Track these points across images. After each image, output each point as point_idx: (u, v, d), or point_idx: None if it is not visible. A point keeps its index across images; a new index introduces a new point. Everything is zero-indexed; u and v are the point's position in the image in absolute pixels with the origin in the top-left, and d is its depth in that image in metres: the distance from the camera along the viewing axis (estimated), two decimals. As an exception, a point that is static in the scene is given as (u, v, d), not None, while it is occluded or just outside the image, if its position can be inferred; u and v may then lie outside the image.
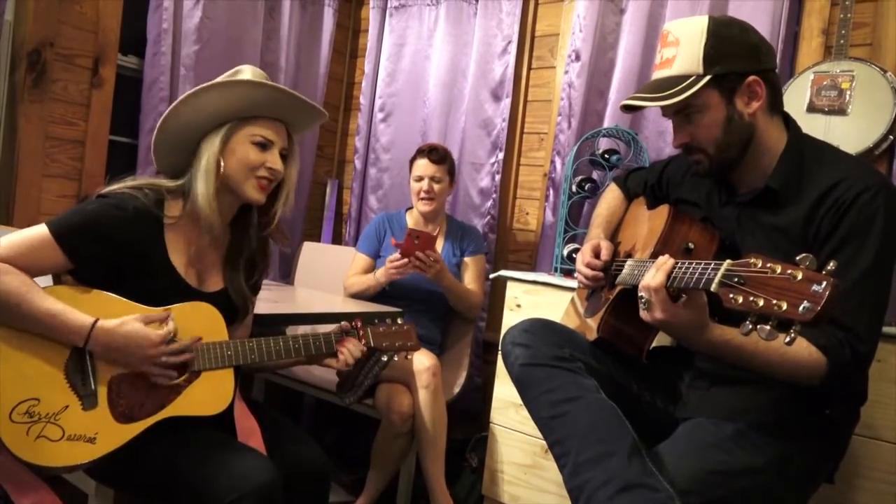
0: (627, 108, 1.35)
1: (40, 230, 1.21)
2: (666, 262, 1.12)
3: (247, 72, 1.36)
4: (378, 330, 1.50)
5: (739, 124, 1.27)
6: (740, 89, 1.26)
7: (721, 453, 1.21)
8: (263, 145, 1.34)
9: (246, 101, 1.32)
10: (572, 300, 1.69)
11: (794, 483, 1.25)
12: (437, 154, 2.42)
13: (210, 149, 1.32)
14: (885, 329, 1.54)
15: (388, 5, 3.09)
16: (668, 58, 1.29)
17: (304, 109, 1.39)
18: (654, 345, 1.38)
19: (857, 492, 1.58)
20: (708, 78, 1.23)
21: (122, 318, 1.22)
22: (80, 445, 1.17)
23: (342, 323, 1.48)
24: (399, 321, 1.55)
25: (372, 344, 1.49)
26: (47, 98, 2.20)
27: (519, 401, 1.39)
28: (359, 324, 1.49)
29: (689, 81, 1.24)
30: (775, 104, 1.30)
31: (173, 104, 1.32)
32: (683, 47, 1.26)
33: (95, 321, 1.19)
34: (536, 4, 2.73)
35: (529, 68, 2.75)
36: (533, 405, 1.34)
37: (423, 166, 2.40)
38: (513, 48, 2.70)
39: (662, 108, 1.30)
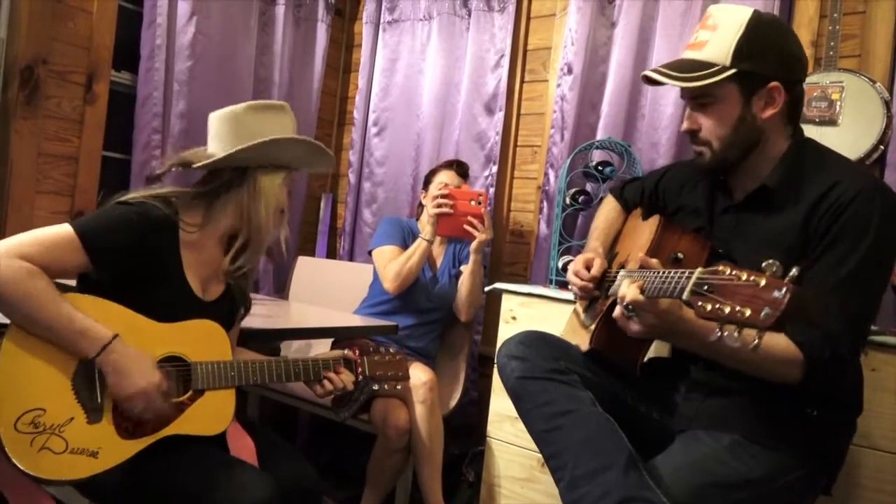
0: (647, 80, 1.33)
1: (64, 230, 1.21)
2: (630, 275, 1.17)
3: (288, 113, 1.43)
4: (374, 359, 1.53)
5: (750, 127, 1.27)
6: (760, 92, 1.25)
7: (718, 465, 1.20)
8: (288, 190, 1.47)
9: (308, 161, 1.45)
10: (574, 311, 1.68)
11: (791, 495, 1.24)
12: (462, 168, 2.49)
13: (271, 186, 1.39)
14: (882, 339, 1.54)
15: (381, 20, 3.10)
16: (701, 40, 1.27)
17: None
18: (649, 356, 1.38)
19: (855, 502, 1.57)
20: (732, 72, 1.22)
21: (141, 350, 1.23)
22: (82, 459, 1.16)
23: (346, 352, 1.50)
24: (392, 350, 1.57)
25: (367, 373, 1.52)
26: (40, 114, 2.20)
27: (515, 414, 1.38)
28: (357, 352, 1.52)
29: (713, 70, 1.23)
30: (793, 116, 1.30)
31: (259, 141, 1.33)
32: (718, 34, 1.25)
33: (115, 336, 1.19)
34: (528, 18, 2.75)
35: (522, 82, 2.76)
36: (529, 418, 1.33)
37: (450, 175, 2.44)
38: (505, 62, 2.72)
39: (682, 89, 1.30)
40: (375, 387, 1.53)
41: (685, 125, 1.33)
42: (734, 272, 0.95)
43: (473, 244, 2.30)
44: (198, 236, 1.35)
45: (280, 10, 2.90)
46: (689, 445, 1.25)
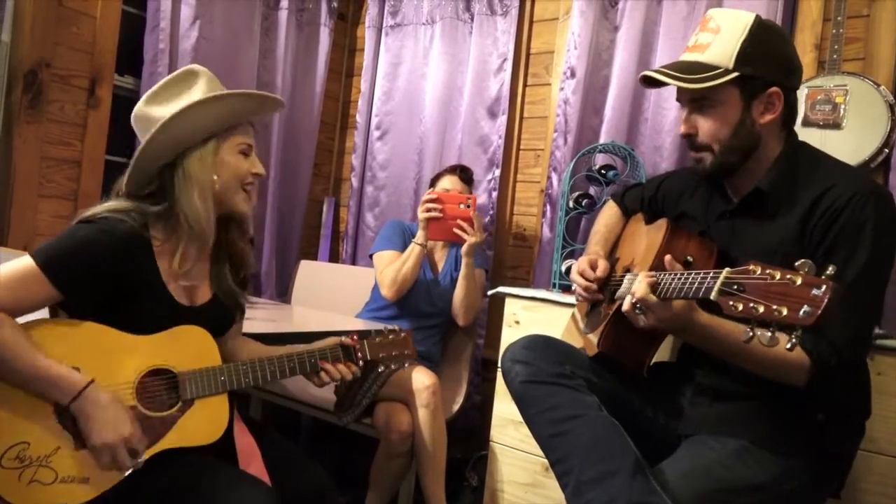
0: (647, 81, 1.32)
1: (25, 263, 1.14)
2: (644, 271, 1.17)
3: (202, 76, 1.31)
4: (374, 341, 1.46)
5: (749, 131, 1.26)
6: (760, 97, 1.25)
7: (724, 470, 1.20)
8: (246, 153, 1.33)
9: (229, 111, 1.29)
10: (573, 315, 1.68)
11: (799, 499, 1.23)
12: (466, 174, 2.47)
13: (202, 166, 1.26)
14: (888, 342, 1.54)
15: (384, 24, 3.11)
16: (702, 43, 1.27)
17: (271, 106, 1.37)
18: (654, 360, 1.37)
19: (861, 507, 1.56)
20: (735, 75, 1.22)
21: (117, 398, 1.18)
22: (73, 487, 1.13)
23: (342, 338, 1.44)
24: (396, 328, 1.50)
25: (369, 357, 1.44)
26: (43, 119, 2.20)
27: (519, 418, 1.38)
28: (355, 338, 1.45)
29: (716, 72, 1.22)
30: (787, 123, 1.30)
31: (156, 128, 1.22)
32: (721, 37, 1.24)
33: (89, 383, 1.15)
34: (531, 22, 2.75)
35: (525, 85, 2.76)
36: (534, 423, 1.32)
37: (454, 181, 2.43)
38: (508, 66, 2.72)
39: (680, 91, 1.29)
40: (381, 368, 1.46)
41: (683, 129, 1.31)
42: (767, 271, 0.94)
43: (464, 248, 2.29)
44: (169, 245, 1.28)
45: (283, 14, 2.90)
46: (695, 450, 1.25)
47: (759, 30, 1.24)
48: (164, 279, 1.28)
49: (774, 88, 1.24)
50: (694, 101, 1.28)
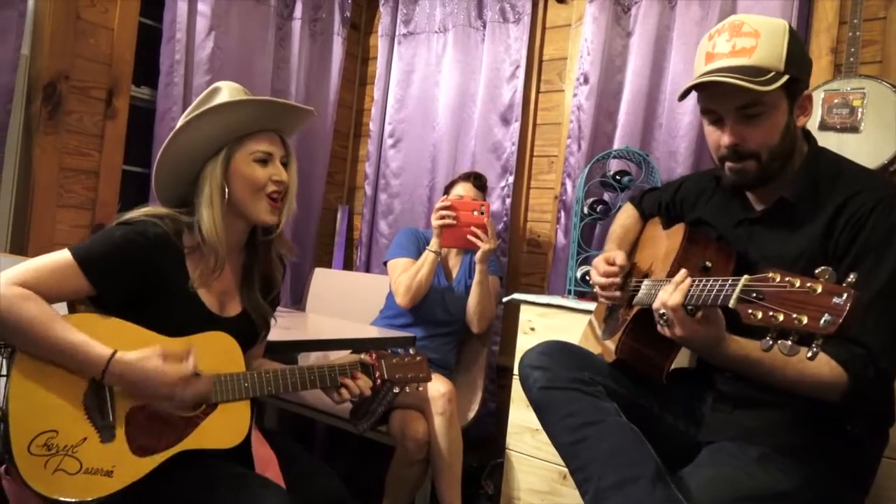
0: (685, 91, 1.26)
1: (63, 256, 1.20)
2: (683, 279, 1.11)
3: (224, 90, 1.35)
4: (392, 362, 1.49)
5: (792, 136, 1.24)
6: (799, 100, 1.23)
7: (746, 478, 1.18)
8: (265, 160, 1.34)
9: (236, 121, 1.31)
10: (590, 322, 1.67)
11: (822, 508, 1.22)
12: (480, 181, 2.47)
13: (212, 176, 1.31)
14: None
15: (397, 33, 3.12)
16: (745, 47, 1.20)
17: (291, 114, 1.38)
18: (673, 366, 1.36)
19: (886, 515, 1.53)
20: (787, 77, 1.18)
21: (142, 351, 1.20)
22: (97, 479, 1.15)
23: (362, 356, 1.46)
24: (412, 351, 1.54)
25: (386, 376, 1.47)
26: (62, 129, 2.23)
27: (535, 426, 1.37)
28: (373, 356, 1.48)
29: (771, 75, 1.18)
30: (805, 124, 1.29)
31: (165, 142, 1.31)
32: (765, 40, 1.19)
33: (113, 353, 1.17)
34: (544, 29, 2.75)
35: (538, 92, 2.76)
36: (552, 430, 1.31)
37: (467, 188, 2.43)
38: (521, 72, 2.72)
39: (724, 99, 1.21)
40: (396, 390, 1.49)
41: (730, 139, 1.22)
42: (787, 279, 0.92)
43: (478, 255, 2.29)
44: (200, 253, 1.31)
45: (297, 24, 2.92)
46: (717, 458, 1.23)
47: (793, 32, 1.22)
48: (193, 285, 1.31)
49: (807, 91, 1.24)
50: (742, 109, 1.21)
